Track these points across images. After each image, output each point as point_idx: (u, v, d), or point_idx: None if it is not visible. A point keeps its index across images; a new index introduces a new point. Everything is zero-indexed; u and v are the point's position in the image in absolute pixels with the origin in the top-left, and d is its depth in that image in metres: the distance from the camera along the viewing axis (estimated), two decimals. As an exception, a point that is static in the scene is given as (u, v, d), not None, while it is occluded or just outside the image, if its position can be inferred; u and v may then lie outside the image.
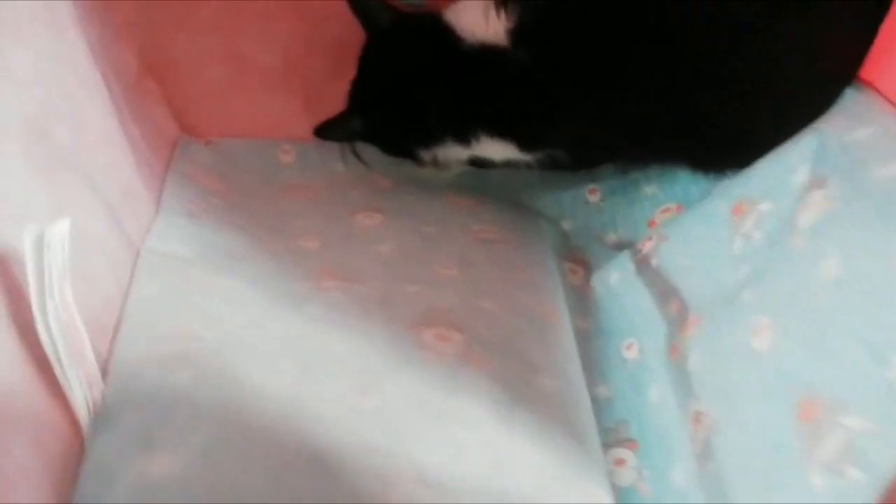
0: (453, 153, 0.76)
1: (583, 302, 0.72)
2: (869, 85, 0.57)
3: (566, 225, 0.83)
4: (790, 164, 0.55)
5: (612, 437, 0.59)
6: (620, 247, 0.75)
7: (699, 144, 0.66)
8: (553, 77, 0.65)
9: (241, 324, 0.55)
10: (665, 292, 0.63)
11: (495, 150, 0.74)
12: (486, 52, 0.67)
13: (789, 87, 0.60)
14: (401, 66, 0.73)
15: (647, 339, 0.63)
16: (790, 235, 0.51)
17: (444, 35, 0.70)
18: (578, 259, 0.79)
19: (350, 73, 0.81)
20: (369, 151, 0.81)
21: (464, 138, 0.74)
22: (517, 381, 0.56)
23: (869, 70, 0.57)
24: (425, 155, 0.77)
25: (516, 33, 0.66)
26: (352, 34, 0.82)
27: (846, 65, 0.58)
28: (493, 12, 0.67)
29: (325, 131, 0.78)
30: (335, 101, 0.82)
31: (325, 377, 0.52)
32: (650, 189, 0.77)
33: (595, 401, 0.60)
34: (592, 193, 0.82)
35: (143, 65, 0.74)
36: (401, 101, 0.74)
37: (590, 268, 0.77)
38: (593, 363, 0.65)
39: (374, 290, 0.62)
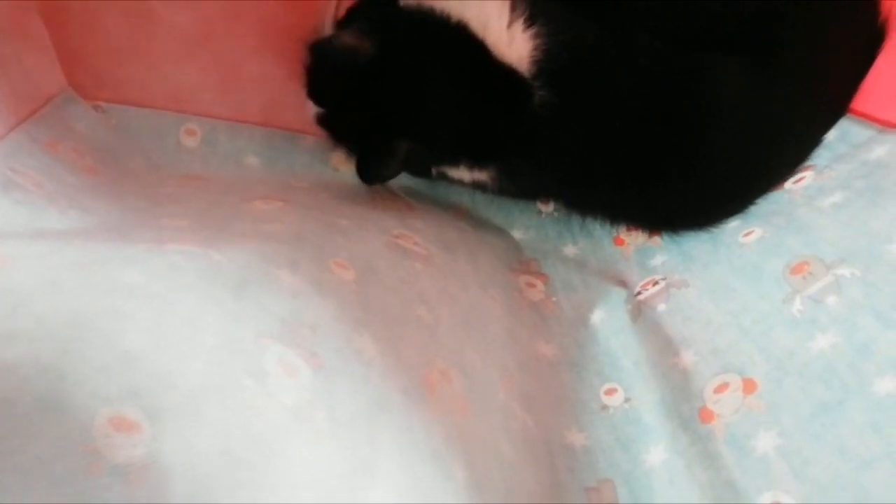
0: (457, 173, 0.68)
1: (544, 322, 0.62)
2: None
3: (517, 234, 0.74)
4: (884, 232, 0.50)
5: (594, 497, 0.50)
6: (581, 262, 0.70)
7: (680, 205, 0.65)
8: (566, 125, 0.61)
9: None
10: (671, 342, 0.56)
11: (477, 174, 0.67)
12: (510, 77, 0.60)
13: (786, 133, 0.62)
14: (438, 82, 0.63)
15: (640, 390, 0.55)
16: None
17: (472, 47, 0.61)
18: (534, 272, 0.69)
19: (277, 52, 0.70)
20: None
21: (475, 162, 0.66)
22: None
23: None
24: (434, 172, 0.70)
25: (539, 65, 0.60)
26: (284, 12, 0.73)
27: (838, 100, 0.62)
28: (518, 31, 0.60)
29: (376, 172, 0.67)
30: (256, 80, 0.72)
31: None
32: None
33: (568, 449, 0.52)
34: (545, 203, 0.75)
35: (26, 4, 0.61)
36: (443, 120, 0.64)
37: (551, 283, 0.68)
38: (561, 401, 0.55)
39: (232, 267, 0.44)
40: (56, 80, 0.63)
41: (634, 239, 0.68)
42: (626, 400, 0.55)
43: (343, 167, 0.72)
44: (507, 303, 0.63)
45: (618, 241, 0.69)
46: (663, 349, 0.56)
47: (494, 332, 0.58)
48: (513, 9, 0.61)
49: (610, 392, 0.56)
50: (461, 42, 0.61)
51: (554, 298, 0.66)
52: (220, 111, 0.72)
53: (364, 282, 0.51)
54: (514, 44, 0.60)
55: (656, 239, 0.67)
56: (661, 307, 0.59)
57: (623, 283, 0.65)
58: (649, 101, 0.60)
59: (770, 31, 0.60)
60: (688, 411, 0.50)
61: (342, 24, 0.65)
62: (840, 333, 0.46)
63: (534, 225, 0.74)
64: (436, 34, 0.61)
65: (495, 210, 0.75)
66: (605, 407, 0.55)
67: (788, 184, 0.61)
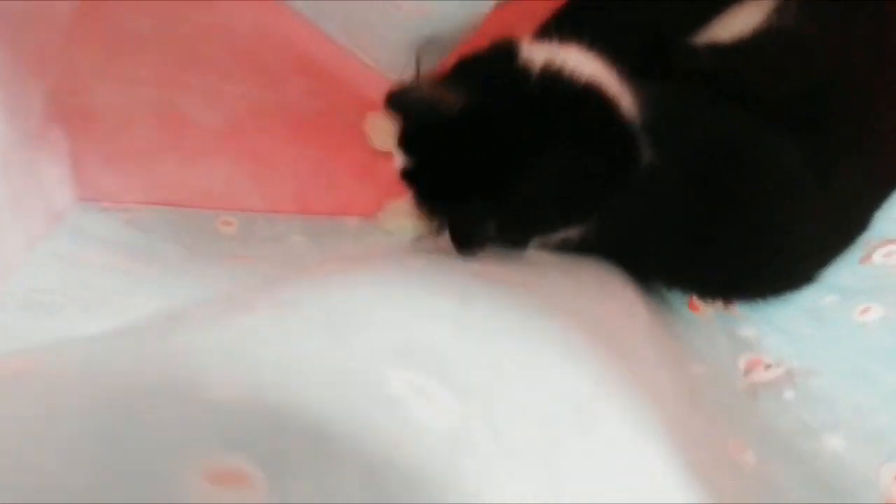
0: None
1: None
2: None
3: None
4: None
5: None
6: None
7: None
8: (656, 184, 0.59)
9: None
10: (808, 426, 0.53)
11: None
12: (629, 136, 0.58)
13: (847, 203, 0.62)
14: (549, 149, 0.57)
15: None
16: None
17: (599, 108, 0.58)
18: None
19: (305, 141, 0.68)
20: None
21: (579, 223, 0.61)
22: None
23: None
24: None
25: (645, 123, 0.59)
26: (311, 99, 0.71)
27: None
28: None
29: (469, 242, 0.56)
30: (288, 171, 0.69)
31: None
32: None
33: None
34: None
35: (54, 111, 0.60)
36: (546, 190, 0.58)
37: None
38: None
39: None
40: (71, 192, 0.61)
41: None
42: None
43: (392, 226, 0.68)
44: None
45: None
46: (801, 431, 0.52)
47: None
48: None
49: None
50: (588, 102, 0.57)
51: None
52: (255, 203, 0.69)
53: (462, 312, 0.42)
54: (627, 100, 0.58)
55: (734, 309, 0.67)
56: (789, 394, 0.56)
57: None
58: (720, 164, 0.61)
59: (819, 105, 0.61)
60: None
61: (449, 77, 0.59)
62: None
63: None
64: (558, 96, 0.57)
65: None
66: None
67: (878, 257, 0.59)
